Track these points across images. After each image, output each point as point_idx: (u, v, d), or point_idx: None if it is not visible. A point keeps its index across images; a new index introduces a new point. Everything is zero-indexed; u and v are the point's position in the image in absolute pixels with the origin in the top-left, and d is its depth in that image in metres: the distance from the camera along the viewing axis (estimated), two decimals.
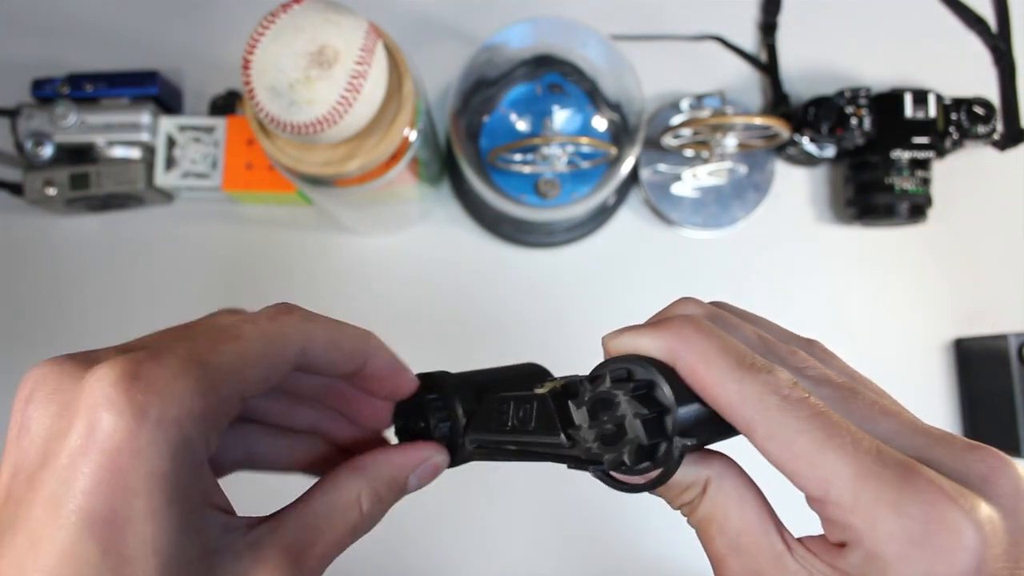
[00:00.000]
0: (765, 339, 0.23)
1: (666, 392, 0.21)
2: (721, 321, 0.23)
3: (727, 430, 0.22)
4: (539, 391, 0.24)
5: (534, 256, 0.60)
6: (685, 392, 0.21)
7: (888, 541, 0.18)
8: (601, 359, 0.24)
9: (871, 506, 0.19)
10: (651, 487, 0.22)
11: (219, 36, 0.61)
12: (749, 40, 0.62)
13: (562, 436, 0.23)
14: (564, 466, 0.24)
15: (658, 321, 0.23)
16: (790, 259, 0.60)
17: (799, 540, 0.22)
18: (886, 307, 0.59)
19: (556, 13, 0.54)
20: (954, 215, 0.60)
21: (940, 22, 0.58)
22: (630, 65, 0.53)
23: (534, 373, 0.30)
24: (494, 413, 0.26)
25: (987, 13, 0.58)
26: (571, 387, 0.24)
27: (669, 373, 0.22)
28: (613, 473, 0.22)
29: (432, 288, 0.59)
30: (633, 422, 0.21)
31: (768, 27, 0.61)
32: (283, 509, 0.23)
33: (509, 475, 0.56)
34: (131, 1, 0.62)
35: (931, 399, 0.58)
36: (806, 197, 0.61)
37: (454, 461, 0.28)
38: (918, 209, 0.57)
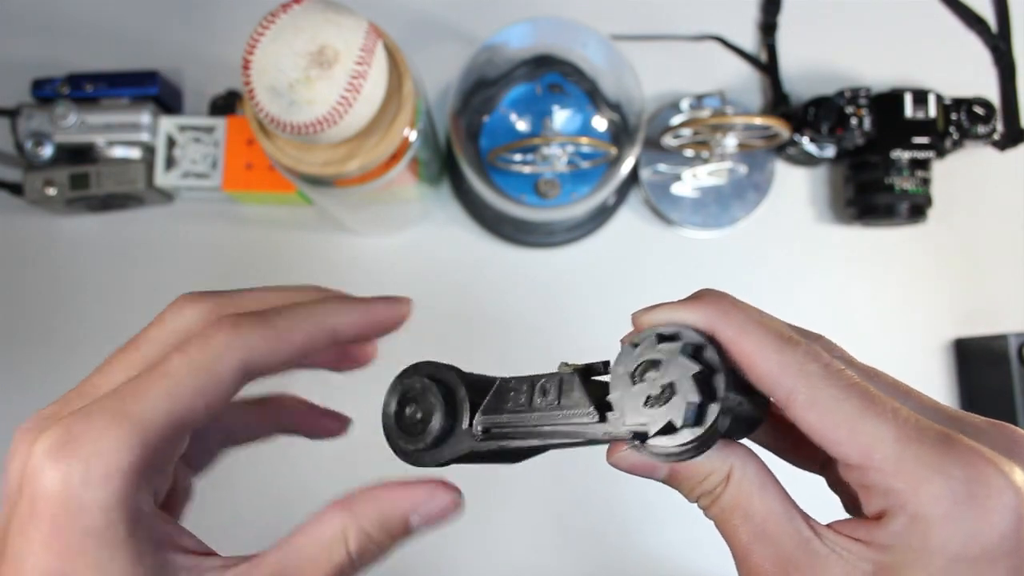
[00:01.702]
0: (789, 324, 0.24)
1: (714, 354, 0.21)
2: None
3: (760, 406, 0.23)
4: (561, 369, 0.24)
5: (534, 256, 0.60)
6: (725, 360, 0.22)
7: (933, 502, 0.19)
8: (606, 355, 0.24)
9: (915, 469, 0.19)
10: (695, 452, 0.21)
11: (219, 36, 0.61)
12: (749, 40, 0.62)
13: (593, 409, 0.23)
14: (565, 462, 0.23)
15: (694, 296, 0.23)
16: (790, 259, 0.60)
17: (827, 525, 0.22)
18: (886, 307, 0.59)
19: (556, 13, 0.54)
20: (954, 215, 0.60)
21: (940, 22, 0.58)
22: (630, 65, 0.53)
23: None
24: (508, 395, 0.25)
25: (987, 13, 0.58)
26: (592, 368, 0.24)
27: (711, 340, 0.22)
28: (652, 442, 0.21)
29: (432, 288, 0.59)
30: (685, 381, 0.21)
31: (768, 27, 0.61)
32: (268, 548, 0.23)
33: (510, 474, 0.56)
34: (131, 1, 0.62)
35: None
36: (806, 197, 0.61)
37: (456, 451, 0.25)
38: (918, 209, 0.57)
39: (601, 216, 0.60)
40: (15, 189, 0.57)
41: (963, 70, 0.58)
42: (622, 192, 0.60)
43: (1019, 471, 0.19)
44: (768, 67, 0.61)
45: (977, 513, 0.19)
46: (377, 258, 0.59)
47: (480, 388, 0.26)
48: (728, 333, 0.22)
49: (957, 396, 0.58)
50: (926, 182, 0.56)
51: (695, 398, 0.21)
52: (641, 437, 0.21)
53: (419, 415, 0.26)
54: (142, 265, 0.59)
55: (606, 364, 0.24)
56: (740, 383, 0.22)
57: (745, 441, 0.24)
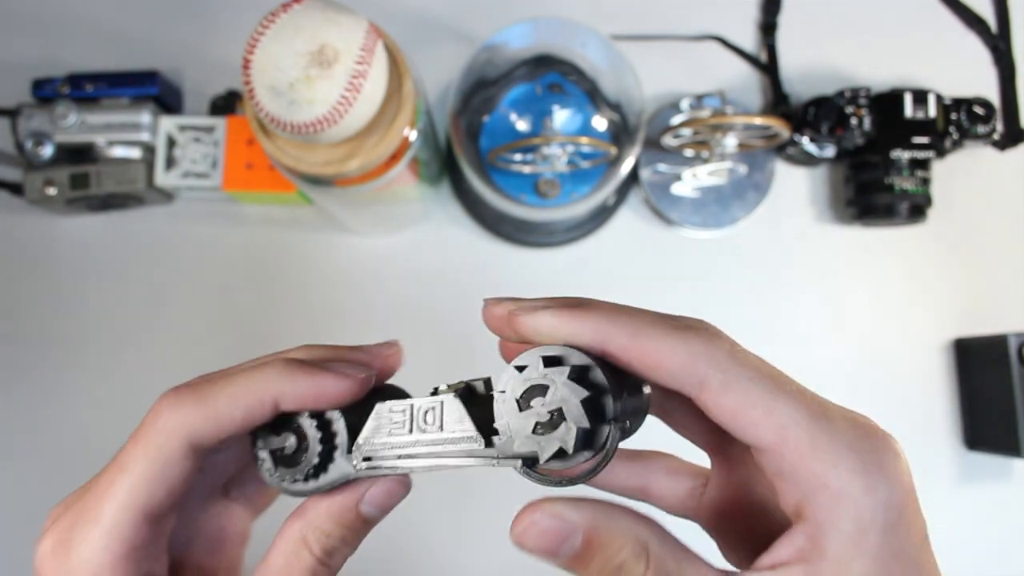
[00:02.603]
0: (670, 315, 0.24)
1: (602, 376, 0.21)
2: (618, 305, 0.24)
3: (644, 411, 0.23)
4: (442, 391, 0.24)
5: (534, 256, 0.60)
6: (612, 376, 0.21)
7: (852, 477, 0.20)
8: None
9: (829, 446, 0.20)
10: (587, 477, 0.21)
11: (219, 36, 0.61)
12: (749, 40, 0.62)
13: (478, 434, 0.22)
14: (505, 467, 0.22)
15: (575, 304, 0.22)
16: (790, 259, 0.60)
17: (752, 567, 0.21)
18: (886, 307, 0.59)
19: (556, 13, 0.54)
20: (954, 215, 0.60)
21: (940, 22, 0.58)
22: (630, 65, 0.53)
23: (404, 395, 0.27)
24: (389, 421, 0.24)
25: (987, 13, 0.58)
26: (474, 387, 0.24)
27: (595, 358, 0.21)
28: (542, 467, 0.21)
29: (432, 288, 0.59)
30: (573, 406, 0.20)
31: (768, 27, 0.61)
32: None
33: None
34: (131, 1, 0.62)
35: (931, 399, 0.58)
36: (806, 197, 0.61)
37: (336, 480, 0.24)
38: (918, 209, 0.57)
39: (601, 216, 0.59)
40: (15, 189, 0.57)
41: (963, 70, 0.58)
42: (622, 192, 0.60)
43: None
44: (768, 67, 0.61)
45: (889, 481, 0.20)
46: (377, 258, 0.59)
47: (363, 412, 0.25)
48: (622, 339, 0.21)
49: (957, 396, 0.58)
50: (926, 182, 0.56)
51: (585, 424, 0.20)
52: (531, 463, 0.21)
53: (296, 445, 0.25)
54: (142, 265, 0.59)
55: (487, 382, 0.24)
56: (628, 389, 0.22)
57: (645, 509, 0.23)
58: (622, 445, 0.22)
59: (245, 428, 0.24)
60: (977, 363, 0.57)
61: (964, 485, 0.58)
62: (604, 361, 0.22)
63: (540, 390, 0.21)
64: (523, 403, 0.21)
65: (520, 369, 0.22)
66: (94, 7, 0.62)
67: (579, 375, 0.21)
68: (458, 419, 0.23)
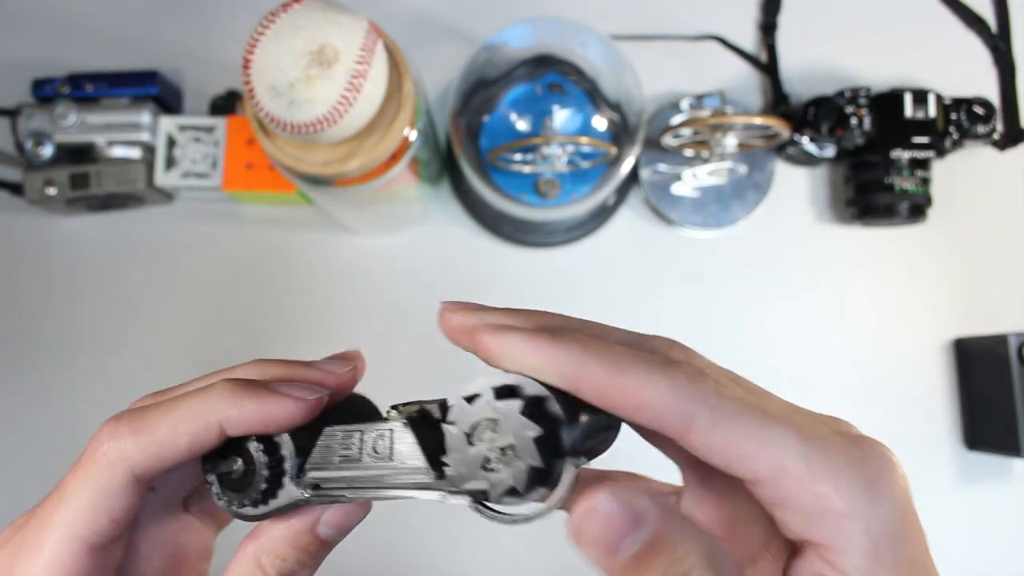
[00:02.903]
0: (636, 337, 0.22)
1: (558, 408, 0.20)
2: (588, 328, 0.23)
3: (613, 429, 0.21)
4: (393, 418, 0.22)
5: (534, 256, 0.60)
6: (570, 405, 0.20)
7: (855, 493, 0.19)
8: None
9: (827, 467, 0.19)
10: (542, 515, 0.20)
11: (219, 36, 0.61)
12: (749, 40, 0.62)
13: (428, 466, 0.21)
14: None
15: (546, 328, 0.21)
16: (790, 259, 0.60)
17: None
18: (886, 307, 0.59)
19: (556, 13, 0.54)
20: (954, 215, 0.60)
21: (940, 22, 0.58)
22: (630, 65, 0.53)
23: (365, 409, 0.27)
24: (337, 447, 0.23)
25: (987, 13, 0.58)
26: (428, 412, 0.22)
27: (551, 388, 0.20)
28: (493, 505, 0.20)
29: (432, 288, 0.59)
30: (525, 443, 0.19)
31: (768, 27, 0.61)
32: None
33: None
34: (131, 1, 0.62)
35: (931, 399, 0.58)
36: (806, 197, 0.61)
37: (284, 505, 0.24)
38: (918, 209, 0.57)
39: (601, 216, 0.59)
40: (15, 189, 0.57)
41: (963, 70, 0.58)
42: (622, 192, 0.60)
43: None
44: (768, 67, 0.61)
45: (891, 492, 0.20)
46: (377, 258, 0.59)
47: (314, 431, 0.24)
48: (600, 377, 0.19)
49: (957, 396, 0.58)
50: (926, 182, 0.56)
51: (537, 463, 0.19)
52: (481, 499, 0.20)
53: (244, 469, 0.24)
54: (142, 265, 0.59)
55: (443, 405, 0.22)
56: (591, 410, 0.20)
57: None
58: (591, 464, 0.21)
59: (192, 455, 0.23)
60: (977, 363, 0.57)
61: (964, 485, 0.58)
62: (563, 394, 0.20)
63: (491, 424, 0.20)
64: (473, 437, 0.20)
65: (470, 400, 0.20)
66: (94, 7, 0.62)
67: (533, 408, 0.20)
68: (409, 449, 0.22)
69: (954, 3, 0.58)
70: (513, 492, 0.19)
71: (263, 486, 0.23)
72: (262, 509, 0.24)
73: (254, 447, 0.23)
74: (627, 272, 0.60)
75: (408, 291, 0.59)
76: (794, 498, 0.19)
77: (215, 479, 0.24)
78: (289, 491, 0.24)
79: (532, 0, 0.60)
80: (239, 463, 0.24)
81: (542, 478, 0.19)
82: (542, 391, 0.20)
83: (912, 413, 0.58)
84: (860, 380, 0.58)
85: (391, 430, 0.22)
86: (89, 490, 0.23)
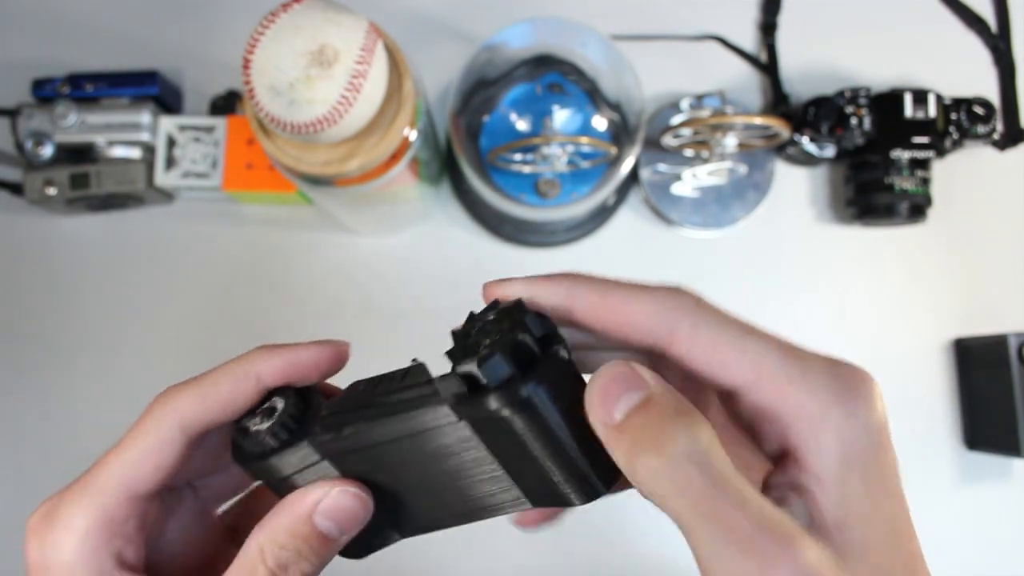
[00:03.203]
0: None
1: (536, 311, 0.22)
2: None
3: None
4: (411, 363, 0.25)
5: (534, 256, 0.60)
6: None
7: (831, 403, 0.20)
8: None
9: (805, 376, 0.20)
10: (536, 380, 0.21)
11: (219, 36, 0.61)
12: (749, 40, 0.62)
13: (431, 378, 0.23)
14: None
15: (543, 275, 0.24)
16: (790, 259, 0.60)
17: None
18: (886, 307, 0.59)
19: (556, 13, 0.54)
20: (954, 215, 0.60)
21: (940, 22, 0.58)
22: (630, 65, 0.53)
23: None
24: (359, 388, 0.25)
25: (987, 13, 0.58)
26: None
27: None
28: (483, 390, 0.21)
29: (432, 288, 0.59)
30: (507, 331, 0.21)
31: (768, 27, 0.61)
32: None
33: None
34: (131, 1, 0.62)
35: (931, 399, 0.58)
36: (806, 197, 0.61)
37: (286, 458, 0.25)
38: (918, 209, 0.57)
39: (601, 216, 0.60)
40: (15, 189, 0.57)
41: (963, 70, 0.58)
42: (622, 192, 0.60)
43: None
44: (768, 67, 0.61)
45: (867, 403, 0.20)
46: (377, 258, 0.59)
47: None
48: (590, 297, 0.22)
49: (957, 396, 0.58)
50: (926, 182, 0.56)
51: (518, 336, 0.21)
52: (469, 380, 0.21)
53: (268, 424, 0.25)
54: (142, 265, 0.59)
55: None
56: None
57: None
58: None
59: (234, 405, 0.25)
60: (977, 363, 0.57)
61: (964, 485, 0.58)
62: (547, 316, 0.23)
63: (484, 327, 0.22)
64: (471, 335, 0.22)
65: (476, 315, 0.23)
66: (94, 7, 0.62)
67: (513, 308, 0.22)
68: (418, 375, 0.23)
69: (954, 3, 0.58)
70: (492, 359, 0.20)
71: (280, 438, 0.24)
72: (272, 461, 0.24)
73: (279, 401, 0.25)
74: (627, 272, 0.59)
75: (408, 291, 0.59)
76: (772, 403, 0.21)
77: (239, 432, 0.25)
78: (303, 448, 0.24)
79: (532, 0, 0.60)
80: (263, 417, 0.25)
81: (523, 353, 0.21)
82: (523, 304, 0.22)
83: (912, 413, 0.58)
84: None
85: (408, 368, 0.24)
86: (139, 440, 0.24)
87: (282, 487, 0.25)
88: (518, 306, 0.22)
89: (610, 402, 0.20)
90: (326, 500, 0.24)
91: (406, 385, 0.23)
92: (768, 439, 0.22)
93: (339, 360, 0.26)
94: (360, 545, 0.26)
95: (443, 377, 0.22)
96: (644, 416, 0.20)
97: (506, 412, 0.21)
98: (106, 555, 0.24)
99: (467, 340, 0.22)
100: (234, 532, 0.29)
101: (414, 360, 0.24)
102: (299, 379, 0.26)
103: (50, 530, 0.24)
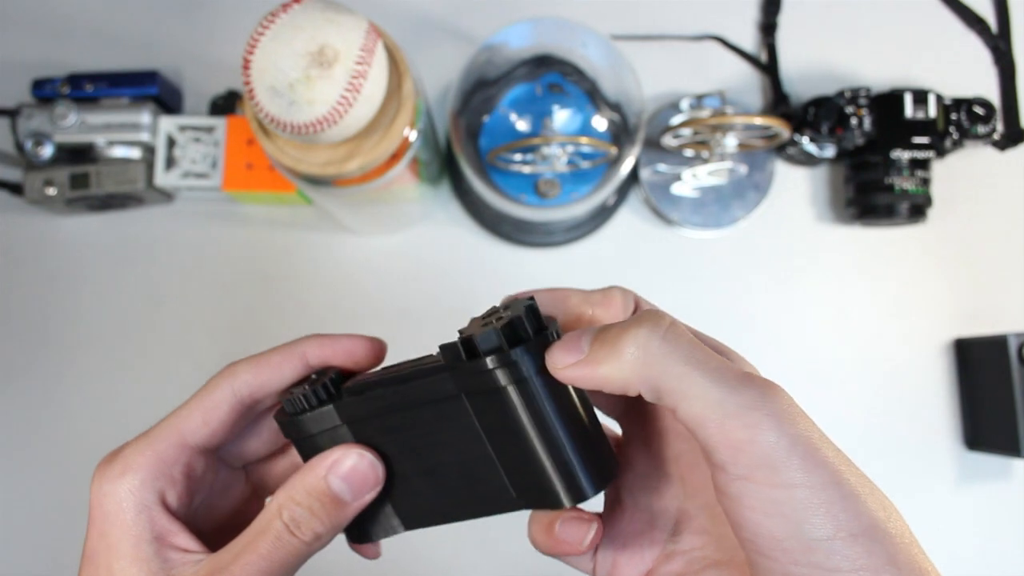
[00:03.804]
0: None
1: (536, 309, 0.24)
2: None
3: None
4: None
5: (534, 256, 0.60)
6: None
7: (741, 427, 0.21)
8: None
9: (722, 404, 0.21)
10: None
11: (219, 36, 0.61)
12: (749, 40, 0.62)
13: (447, 363, 0.25)
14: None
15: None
16: (790, 259, 0.60)
17: None
18: (886, 307, 0.59)
19: (556, 13, 0.54)
20: (954, 215, 0.60)
21: (940, 22, 0.58)
22: (630, 65, 0.53)
23: None
24: (380, 370, 0.28)
25: (987, 13, 0.58)
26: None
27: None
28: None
29: (432, 288, 0.59)
30: (511, 316, 0.23)
31: (768, 27, 0.61)
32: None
33: None
34: (131, 1, 0.62)
35: (931, 399, 0.58)
36: (806, 197, 0.61)
37: (314, 416, 0.28)
38: (918, 209, 0.57)
39: (601, 216, 0.59)
40: (15, 189, 0.57)
41: (963, 70, 0.58)
42: (622, 192, 0.60)
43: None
44: (768, 67, 0.61)
45: (767, 422, 0.20)
46: (377, 258, 0.59)
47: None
48: (547, 301, 0.26)
49: (957, 396, 0.58)
50: (926, 182, 0.56)
51: (521, 314, 0.23)
52: (468, 346, 0.24)
53: (308, 385, 0.28)
54: (142, 265, 0.59)
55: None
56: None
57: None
58: None
59: (281, 377, 0.28)
60: (977, 363, 0.57)
61: (964, 485, 0.58)
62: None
63: (495, 314, 0.25)
64: (483, 319, 0.25)
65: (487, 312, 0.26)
66: (94, 7, 0.62)
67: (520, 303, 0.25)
68: (435, 357, 0.26)
69: (954, 3, 0.58)
70: (498, 336, 0.23)
71: (312, 401, 0.27)
72: (304, 416, 0.27)
73: (321, 377, 0.28)
74: (627, 272, 0.60)
75: (408, 291, 0.59)
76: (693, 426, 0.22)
77: (284, 396, 0.28)
78: (328, 410, 0.27)
79: (532, 0, 0.60)
80: (304, 386, 0.28)
81: (521, 330, 0.23)
82: (530, 303, 0.25)
83: (912, 413, 0.58)
84: (860, 380, 0.58)
85: (428, 356, 0.26)
86: (198, 397, 0.28)
87: (308, 448, 0.28)
88: (526, 302, 0.24)
89: (574, 342, 0.23)
90: (341, 461, 0.27)
91: (421, 360, 0.26)
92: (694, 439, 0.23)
93: (377, 354, 0.30)
94: (365, 527, 0.29)
95: (448, 345, 0.24)
96: (610, 329, 0.23)
97: (497, 374, 0.23)
98: (151, 491, 0.27)
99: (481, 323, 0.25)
100: (261, 490, 0.32)
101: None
102: (341, 363, 0.29)
103: (109, 466, 0.27)
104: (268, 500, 0.28)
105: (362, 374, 0.29)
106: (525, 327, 0.23)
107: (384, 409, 0.26)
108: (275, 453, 0.32)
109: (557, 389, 0.24)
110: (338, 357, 0.29)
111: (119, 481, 0.26)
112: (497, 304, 0.26)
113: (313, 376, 0.29)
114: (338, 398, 0.27)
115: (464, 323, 0.26)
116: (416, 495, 0.28)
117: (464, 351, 0.24)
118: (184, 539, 0.27)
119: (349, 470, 0.27)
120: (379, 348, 0.30)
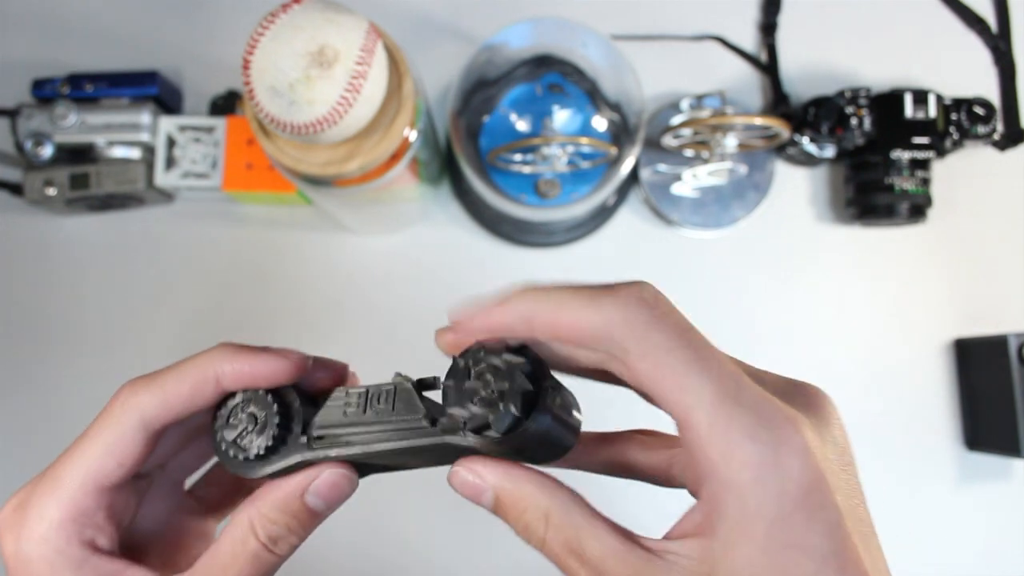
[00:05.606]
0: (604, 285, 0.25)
1: (536, 351, 0.23)
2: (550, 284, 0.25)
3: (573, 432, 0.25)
4: (397, 379, 0.25)
5: (534, 256, 0.60)
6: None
7: (742, 468, 0.20)
8: None
9: (727, 433, 0.20)
10: (535, 438, 0.23)
11: (219, 36, 0.61)
12: (749, 40, 0.62)
13: (425, 412, 0.24)
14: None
15: (501, 299, 0.24)
16: (790, 259, 0.60)
17: (664, 537, 0.22)
18: (886, 307, 0.59)
19: (556, 13, 0.54)
20: (954, 215, 0.60)
21: (940, 22, 0.58)
22: (630, 65, 0.53)
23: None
24: (343, 404, 0.26)
25: (987, 13, 0.58)
26: (424, 382, 0.25)
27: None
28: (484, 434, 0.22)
29: (432, 288, 0.59)
30: (516, 377, 0.22)
31: (768, 27, 0.61)
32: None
33: None
34: (131, 1, 0.62)
35: (931, 399, 0.58)
36: (806, 197, 0.61)
37: (287, 461, 0.26)
38: (918, 209, 0.57)
39: (601, 216, 0.59)
40: (15, 189, 0.57)
41: (963, 70, 0.58)
42: (622, 192, 0.60)
43: (810, 426, 0.20)
44: (768, 67, 0.61)
45: (782, 472, 0.19)
46: (377, 258, 0.59)
47: (322, 402, 0.26)
48: (545, 315, 0.22)
49: (957, 396, 0.58)
50: (926, 182, 0.56)
51: (528, 386, 0.22)
52: (476, 425, 0.22)
53: (253, 426, 0.26)
54: (142, 265, 0.59)
55: (436, 379, 0.25)
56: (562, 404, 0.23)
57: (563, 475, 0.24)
58: (594, 428, 0.24)
59: (194, 405, 0.26)
60: (977, 363, 0.57)
61: (964, 485, 0.58)
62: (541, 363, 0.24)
63: (480, 376, 0.23)
64: (463, 386, 0.23)
65: (461, 356, 0.24)
66: (94, 7, 0.62)
67: (516, 350, 0.23)
68: (408, 402, 0.24)
69: (954, 3, 0.58)
70: (512, 418, 0.22)
71: (268, 442, 0.25)
72: (266, 466, 0.26)
73: (266, 404, 0.26)
74: (627, 272, 0.60)
75: (408, 291, 0.59)
76: (692, 449, 0.20)
77: (223, 436, 0.26)
78: (292, 449, 0.25)
79: (532, 0, 0.60)
80: (248, 421, 0.26)
81: (533, 403, 0.22)
82: (524, 341, 0.23)
83: (912, 413, 0.58)
84: (860, 380, 0.58)
85: (394, 387, 0.25)
86: (102, 435, 0.25)
87: (271, 477, 0.26)
88: (511, 359, 0.23)
89: (476, 496, 0.23)
90: (318, 480, 0.25)
91: (399, 417, 0.24)
92: (690, 473, 0.22)
93: (299, 372, 0.26)
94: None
95: (436, 407, 0.23)
96: (501, 509, 0.23)
97: (510, 445, 0.23)
98: (80, 544, 0.25)
99: (467, 378, 0.23)
100: (201, 501, 0.30)
101: (397, 375, 0.25)
102: (257, 386, 0.26)
103: (24, 522, 0.24)
104: (233, 515, 0.26)
105: (320, 410, 0.26)
106: (536, 397, 0.23)
107: (360, 462, 0.25)
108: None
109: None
110: (255, 382, 0.26)
111: (43, 544, 0.24)
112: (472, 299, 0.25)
113: (247, 404, 0.26)
114: (308, 448, 0.25)
115: None
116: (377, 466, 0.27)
117: (471, 430, 0.23)
118: (134, 572, 0.25)
119: (328, 488, 0.25)
120: (299, 367, 0.26)
